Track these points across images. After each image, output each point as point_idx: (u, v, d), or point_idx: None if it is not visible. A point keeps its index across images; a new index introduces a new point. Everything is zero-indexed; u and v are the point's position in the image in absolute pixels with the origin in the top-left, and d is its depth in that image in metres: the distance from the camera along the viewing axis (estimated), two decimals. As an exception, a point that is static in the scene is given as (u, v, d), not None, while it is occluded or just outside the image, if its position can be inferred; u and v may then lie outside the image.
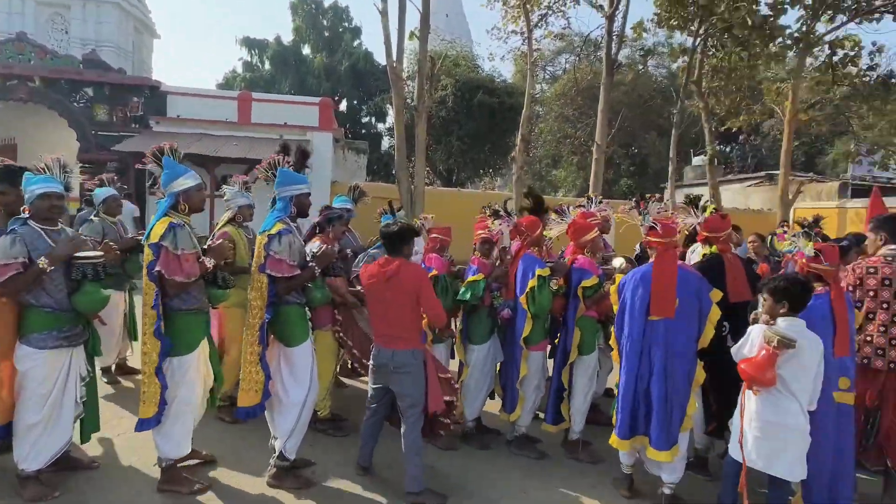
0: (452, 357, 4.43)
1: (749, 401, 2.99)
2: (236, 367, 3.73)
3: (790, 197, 15.29)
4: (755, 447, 2.97)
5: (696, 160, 22.78)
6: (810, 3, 13.41)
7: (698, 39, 14.23)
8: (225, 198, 4.36)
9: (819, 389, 2.98)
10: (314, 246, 3.72)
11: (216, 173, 12.82)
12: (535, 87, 23.24)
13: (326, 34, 28.41)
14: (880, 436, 3.51)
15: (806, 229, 3.29)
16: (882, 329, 3.45)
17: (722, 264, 3.76)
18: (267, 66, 28.04)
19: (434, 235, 4.36)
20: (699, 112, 16.24)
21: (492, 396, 4.33)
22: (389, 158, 21.70)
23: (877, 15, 13.72)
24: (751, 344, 2.96)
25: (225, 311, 4.15)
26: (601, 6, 13.63)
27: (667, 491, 3.36)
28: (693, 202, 4.00)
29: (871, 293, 3.48)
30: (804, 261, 3.22)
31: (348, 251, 4.78)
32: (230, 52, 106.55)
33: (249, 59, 28.39)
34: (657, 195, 3.52)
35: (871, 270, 3.50)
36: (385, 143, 26.86)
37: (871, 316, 3.50)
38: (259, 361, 3.25)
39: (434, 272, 4.07)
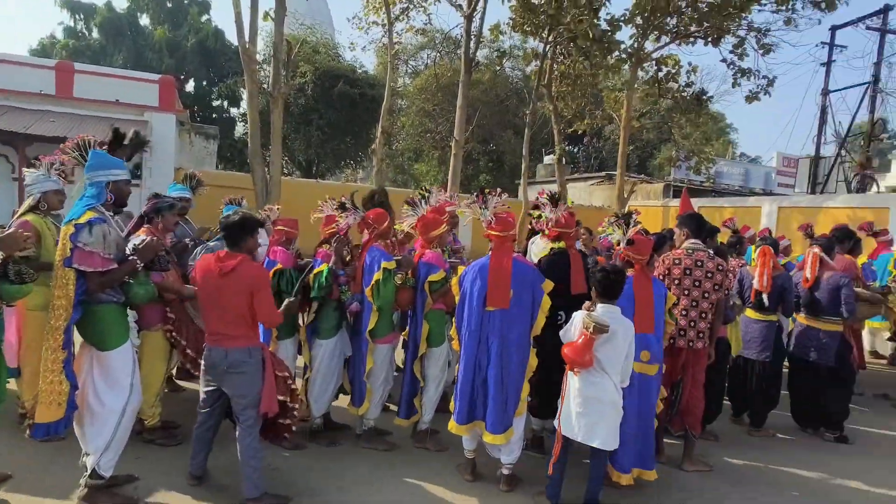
0: (300, 353, 4.28)
1: (571, 380, 3.27)
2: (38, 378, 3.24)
3: (625, 196, 17.00)
4: (577, 421, 3.25)
5: (547, 159, 24.41)
6: (640, 23, 14.95)
7: (548, 46, 15.22)
8: (26, 182, 3.76)
9: (630, 368, 3.32)
10: (137, 239, 3.35)
11: (27, 153, 11.10)
12: (396, 80, 23.35)
13: (169, 5, 25.92)
14: (681, 405, 4.02)
15: (621, 221, 3.66)
16: (684, 313, 3.95)
17: (567, 259, 4.00)
18: (95, 34, 24.88)
19: (279, 227, 4.16)
20: (549, 114, 17.40)
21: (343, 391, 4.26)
22: (244, 145, 20.46)
23: (692, 39, 15.70)
24: (574, 329, 3.23)
25: (27, 314, 3.59)
26: (460, 5, 13.99)
27: (505, 472, 3.55)
28: (552, 199, 4.19)
29: (676, 281, 3.96)
30: (623, 248, 3.60)
31: (187, 241, 4.40)
32: (48, 13, 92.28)
33: (73, 24, 25.00)
34: (498, 189, 3.66)
35: (677, 261, 3.98)
36: (239, 128, 25.24)
37: (676, 302, 3.97)
38: (63, 369, 2.84)
39: (278, 266, 3.88)
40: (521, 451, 3.66)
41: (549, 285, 3.46)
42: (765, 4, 14.56)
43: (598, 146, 27.32)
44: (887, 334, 7.11)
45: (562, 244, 4.09)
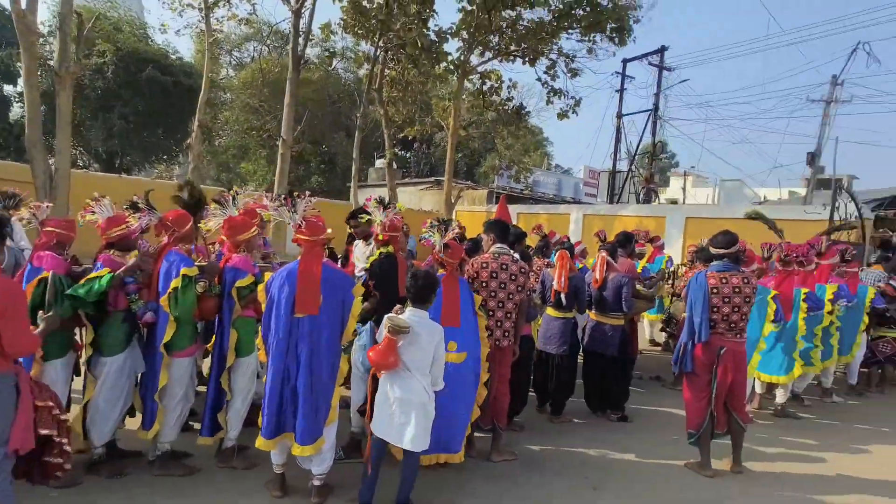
0: (77, 374, 3.70)
1: (381, 382, 3.29)
2: None
3: (453, 201, 17.79)
4: (388, 422, 3.28)
5: (379, 163, 24.61)
6: (466, 37, 15.78)
7: (379, 51, 15.35)
8: None
9: (441, 371, 3.43)
10: None
11: None
12: (218, 71, 21.72)
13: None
14: (490, 400, 4.26)
15: (440, 225, 3.88)
16: (491, 313, 4.19)
17: (395, 263, 4.08)
18: None
19: (49, 229, 3.55)
20: (381, 118, 17.55)
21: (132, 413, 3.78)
22: (21, 130, 17.39)
23: (512, 57, 16.99)
24: (382, 332, 3.25)
25: None
26: (288, 0, 13.49)
27: (316, 483, 3.44)
28: (381, 203, 4.19)
29: (484, 284, 4.19)
30: (436, 251, 3.82)
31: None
32: None
33: None
34: (307, 192, 3.54)
35: (484, 265, 4.21)
36: (16, 110, 21.39)
37: (483, 304, 4.20)
38: None
39: (44, 273, 3.31)
40: (336, 459, 3.59)
41: (360, 290, 3.43)
42: (571, 34, 16.30)
43: (428, 152, 28.26)
44: (660, 325, 8.35)
45: (390, 248, 4.13)
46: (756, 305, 4.80)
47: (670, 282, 7.70)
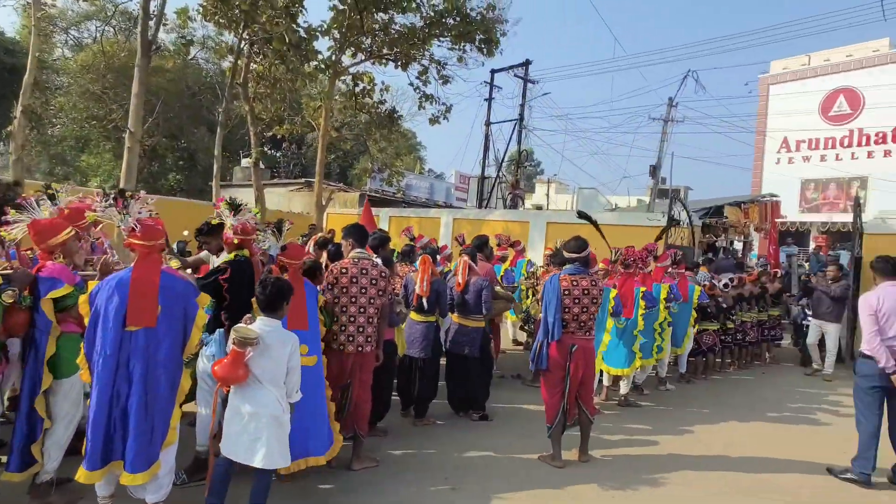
0: None
1: (230, 397, 3.08)
2: None
3: (324, 203, 17.32)
4: (237, 440, 3.07)
5: (245, 161, 23.30)
6: (338, 37, 15.46)
7: (243, 43, 14.50)
8: None
9: (297, 381, 3.28)
10: None
11: None
12: (50, 51, 19.19)
13: None
14: (350, 407, 4.17)
15: (273, 229, 3.84)
16: (352, 319, 4.11)
17: (251, 266, 3.88)
18: None
19: None
20: (246, 114, 16.60)
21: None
22: None
23: (385, 61, 16.96)
24: (228, 344, 3.04)
25: None
26: (135, -22, 12.28)
27: (151, 512, 3.12)
28: (232, 206, 3.95)
29: (344, 289, 4.10)
30: (279, 255, 3.84)
31: None
32: None
33: None
34: (142, 192, 3.20)
35: (343, 270, 4.12)
36: None
37: (344, 309, 4.11)
38: None
39: None
40: (178, 484, 3.30)
41: (205, 299, 3.18)
42: (443, 41, 16.66)
43: (298, 152, 27.33)
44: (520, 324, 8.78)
45: (245, 252, 3.90)
46: (603, 305, 5.23)
47: (531, 283, 8.12)
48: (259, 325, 3.11)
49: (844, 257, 10.91)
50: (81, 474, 2.96)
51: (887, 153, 25.21)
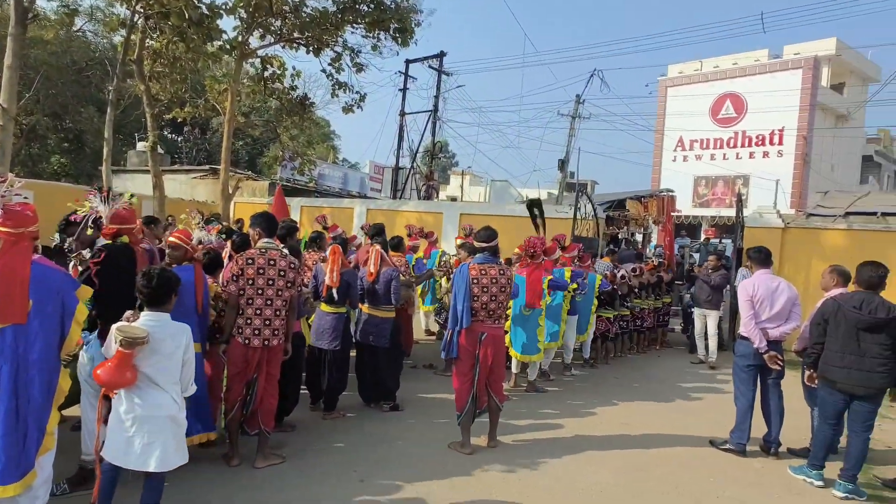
0: None
1: (115, 402, 2.85)
2: None
3: (230, 191, 16.49)
4: (128, 447, 2.86)
5: (141, 145, 21.70)
6: (245, 17, 14.71)
7: (137, 17, 13.43)
8: None
9: (192, 375, 3.11)
10: None
11: None
12: None
13: None
14: (256, 403, 4.02)
15: (169, 222, 3.56)
16: (258, 311, 3.94)
17: (133, 255, 3.65)
18: None
19: None
20: (141, 94, 15.42)
21: None
22: None
23: (296, 45, 16.36)
24: (111, 345, 2.80)
25: None
26: (9, -64, 11.00)
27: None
28: (104, 193, 3.73)
29: (250, 281, 3.92)
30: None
31: None
32: None
33: None
34: (9, 175, 2.87)
35: (250, 261, 3.94)
36: None
37: (250, 301, 3.93)
38: None
39: None
40: (58, 494, 3.05)
41: (86, 292, 2.91)
42: (357, 28, 16.32)
43: (203, 138, 25.84)
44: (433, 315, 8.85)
45: (125, 239, 3.64)
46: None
47: (443, 272, 8.19)
48: (145, 320, 2.88)
49: (730, 248, 11.90)
50: None
51: (766, 154, 27.85)
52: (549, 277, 6.40)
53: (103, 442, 2.93)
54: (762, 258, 5.12)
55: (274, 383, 4.12)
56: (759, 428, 5.08)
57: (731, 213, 17.85)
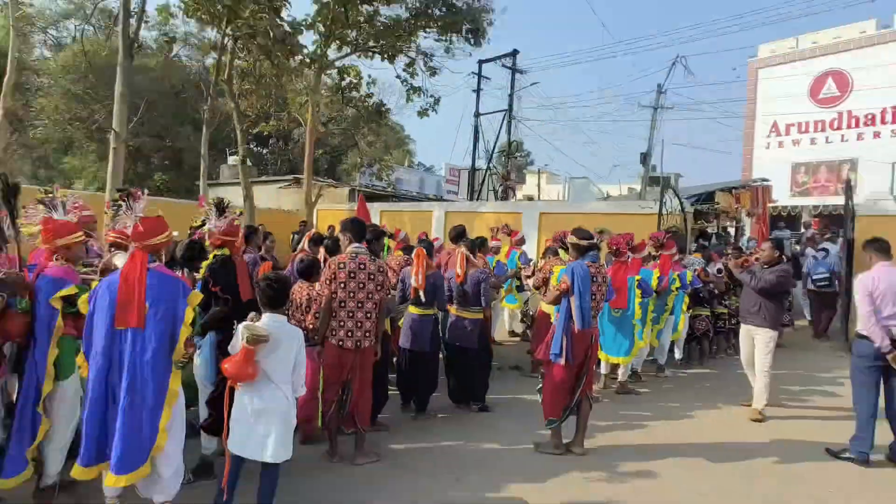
0: None
1: (238, 395, 3.06)
2: None
3: (313, 200, 17.20)
4: (247, 438, 3.07)
5: (232, 159, 23.08)
6: (323, 30, 15.31)
7: (227, 39, 14.31)
8: None
9: (303, 376, 3.27)
10: None
11: None
12: (29, 51, 18.87)
13: None
14: (351, 403, 4.15)
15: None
16: (350, 314, 4.07)
17: (233, 265, 3.86)
18: None
19: None
20: (232, 111, 16.43)
21: None
22: None
23: (371, 54, 16.84)
24: (238, 342, 3.01)
25: None
26: (115, -26, 12.07)
27: (159, 512, 3.09)
28: (219, 207, 3.97)
29: (342, 284, 4.06)
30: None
31: None
32: None
33: None
34: (143, 192, 3.18)
35: (342, 266, 4.08)
36: None
37: (342, 304, 4.07)
38: None
39: None
40: (184, 483, 3.27)
41: (195, 298, 3.13)
42: (429, 32, 16.54)
43: (286, 149, 27.10)
44: (520, 315, 8.78)
45: (226, 251, 3.89)
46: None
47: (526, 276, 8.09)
48: (267, 321, 3.09)
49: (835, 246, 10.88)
50: (76, 470, 2.96)
51: (877, 135, 25.37)
52: (639, 277, 6.17)
53: (229, 432, 3.15)
54: (884, 249, 4.67)
55: (367, 384, 4.24)
56: (883, 435, 4.63)
57: (837, 201, 16.47)
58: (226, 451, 3.17)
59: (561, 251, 6.45)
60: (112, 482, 2.92)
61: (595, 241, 4.52)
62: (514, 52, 22.40)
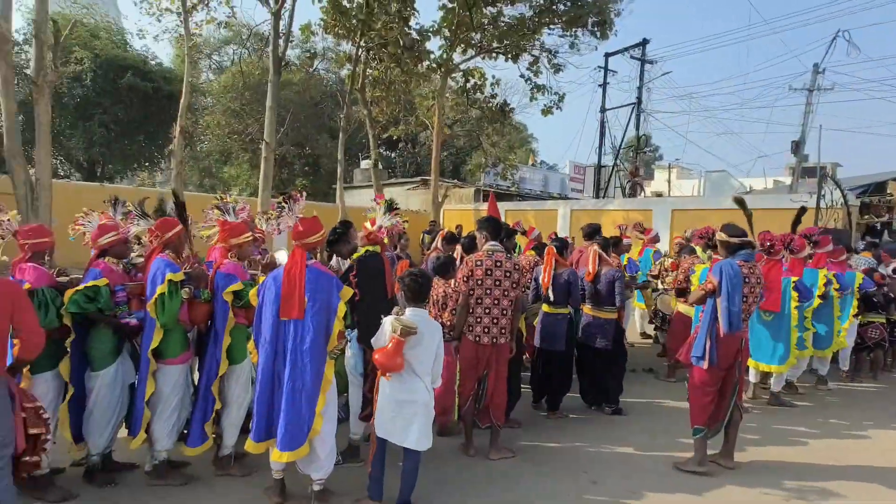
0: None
1: (384, 384, 3.25)
2: None
3: (440, 200, 17.73)
4: (391, 424, 3.26)
5: (364, 163, 24.45)
6: (448, 35, 15.73)
7: (360, 51, 15.22)
8: None
9: (440, 369, 3.41)
10: None
11: None
12: (198, 76, 21.49)
13: None
14: (486, 398, 4.24)
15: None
16: (487, 311, 4.16)
17: (382, 261, 4.04)
18: None
19: (21, 241, 3.46)
20: (364, 118, 17.44)
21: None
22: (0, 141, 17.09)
23: (495, 55, 16.98)
24: (384, 334, 3.21)
25: None
26: (267, 1, 13.32)
27: (316, 488, 3.40)
28: (390, 206, 4.17)
29: (479, 281, 4.16)
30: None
31: None
32: None
33: None
34: (304, 193, 3.54)
35: (478, 263, 4.18)
36: (-8, 121, 21.00)
37: (479, 301, 4.17)
38: None
39: (27, 285, 3.23)
40: (336, 464, 3.55)
41: (347, 293, 3.38)
42: (553, 29, 16.32)
43: (413, 152, 28.14)
44: (648, 317, 8.36)
45: (377, 247, 4.07)
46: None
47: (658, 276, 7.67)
48: (410, 315, 3.26)
49: None
50: (248, 444, 3.35)
51: None
52: (795, 279, 5.60)
53: (366, 416, 3.38)
54: None
55: (503, 380, 4.30)
56: None
57: None
58: (372, 435, 3.38)
59: (698, 249, 6.06)
60: (277, 457, 3.26)
61: (748, 238, 4.17)
62: (644, 42, 21.35)
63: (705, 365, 4.05)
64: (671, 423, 5.11)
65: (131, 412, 3.60)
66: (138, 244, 4.20)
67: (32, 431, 2.82)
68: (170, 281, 3.37)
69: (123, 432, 3.69)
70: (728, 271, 4.00)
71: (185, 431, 3.88)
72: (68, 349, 3.45)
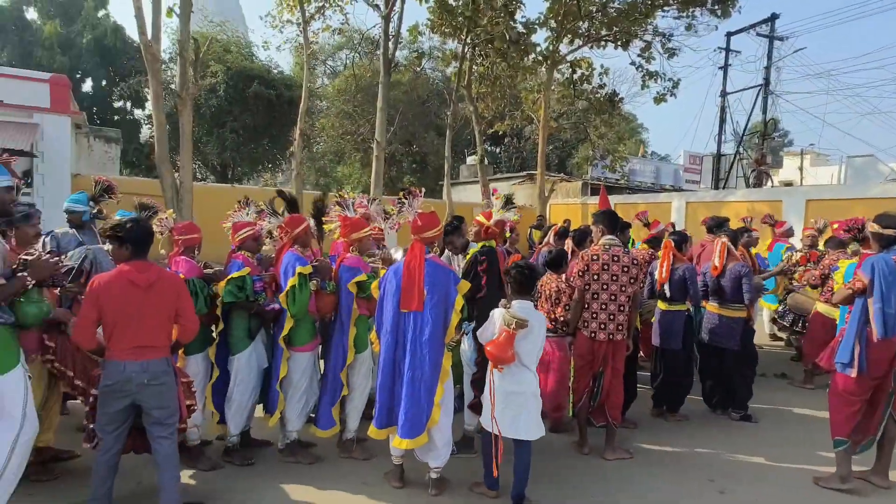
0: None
1: (494, 377, 3.29)
2: None
3: (546, 194, 17.47)
4: (501, 416, 3.28)
5: (470, 159, 24.66)
6: (554, 26, 15.42)
7: (466, 48, 15.36)
8: None
9: (538, 358, 3.40)
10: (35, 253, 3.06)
11: None
12: (314, 81, 22.85)
13: (60, -1, 24.02)
14: (602, 396, 4.13)
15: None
16: (603, 306, 4.05)
17: (496, 256, 4.05)
18: (-29, 29, 22.82)
19: (176, 237, 3.88)
20: (470, 115, 17.59)
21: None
22: (151, 149, 19.26)
23: (603, 43, 16.39)
24: (493, 327, 3.24)
25: None
26: (378, 6, 13.85)
27: (433, 475, 3.51)
28: (508, 201, 4.26)
29: (595, 276, 4.06)
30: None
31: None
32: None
33: (-55, 20, 22.79)
34: (422, 190, 3.69)
35: (595, 257, 4.08)
36: (145, 131, 23.77)
37: (595, 296, 4.07)
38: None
39: (181, 276, 3.62)
40: (451, 454, 3.64)
41: (464, 286, 3.44)
42: (668, 11, 15.42)
43: (518, 146, 27.93)
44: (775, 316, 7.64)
45: (492, 242, 4.10)
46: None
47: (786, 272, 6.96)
48: (518, 307, 3.26)
49: None
50: (371, 430, 3.54)
51: None
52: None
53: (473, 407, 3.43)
54: None
55: (619, 378, 4.17)
56: None
57: None
58: (497, 430, 3.33)
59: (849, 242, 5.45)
60: (397, 444, 3.41)
61: None
62: (773, 17, 19.56)
63: (853, 373, 3.63)
64: (808, 433, 4.68)
65: (266, 394, 3.93)
66: (269, 239, 4.57)
67: (186, 403, 3.19)
68: (300, 274, 3.62)
69: (260, 413, 4.04)
70: (882, 268, 3.55)
71: (313, 415, 4.17)
72: (215, 337, 3.84)
